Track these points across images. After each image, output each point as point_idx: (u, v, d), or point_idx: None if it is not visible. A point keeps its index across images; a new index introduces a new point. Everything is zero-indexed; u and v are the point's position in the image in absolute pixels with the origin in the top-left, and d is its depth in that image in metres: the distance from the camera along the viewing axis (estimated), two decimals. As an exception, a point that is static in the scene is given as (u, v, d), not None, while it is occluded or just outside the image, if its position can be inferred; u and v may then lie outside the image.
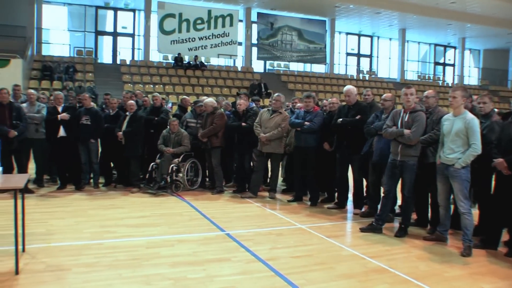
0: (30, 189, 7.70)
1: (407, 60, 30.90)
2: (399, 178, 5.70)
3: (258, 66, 26.83)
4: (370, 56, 31.59)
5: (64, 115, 7.88)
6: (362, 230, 5.84)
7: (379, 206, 6.03)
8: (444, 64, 34.25)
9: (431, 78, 31.59)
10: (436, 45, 33.33)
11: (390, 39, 31.32)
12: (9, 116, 7.45)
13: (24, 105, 8.07)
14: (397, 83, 28.04)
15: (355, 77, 28.01)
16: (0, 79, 15.22)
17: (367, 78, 28.34)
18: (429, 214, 6.04)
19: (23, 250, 4.65)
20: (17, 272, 4.06)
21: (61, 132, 7.93)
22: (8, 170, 6.91)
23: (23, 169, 7.58)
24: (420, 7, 25.20)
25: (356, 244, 5.35)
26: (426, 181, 5.73)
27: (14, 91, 8.60)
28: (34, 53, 21.46)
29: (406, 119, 5.50)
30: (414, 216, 6.20)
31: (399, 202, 6.50)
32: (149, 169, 8.19)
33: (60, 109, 8.03)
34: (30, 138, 7.86)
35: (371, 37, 31.37)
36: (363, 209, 6.88)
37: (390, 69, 31.33)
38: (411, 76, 31.12)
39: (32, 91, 8.71)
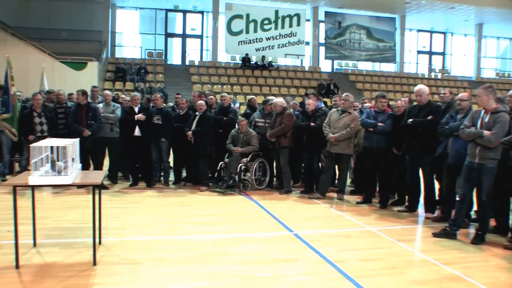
0: (105, 185, 8.07)
1: (484, 57, 29.28)
2: (476, 182, 5.39)
3: (325, 65, 26.59)
4: (443, 54, 30.30)
5: (141, 116, 8.17)
6: (435, 235, 5.60)
7: (453, 211, 5.76)
8: (528, 60, 32.12)
9: (512, 75, 29.77)
10: (517, 39, 31.33)
11: (465, 35, 29.86)
12: (86, 116, 7.89)
13: (100, 105, 8.50)
14: (473, 81, 26.69)
15: (426, 76, 27.00)
16: (78, 81, 16.20)
17: (439, 77, 27.21)
18: (510, 222, 5.67)
19: (100, 243, 4.87)
20: (94, 263, 4.28)
21: (136, 132, 8.23)
22: (85, 167, 7.30)
23: (98, 167, 8.01)
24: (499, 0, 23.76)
25: (428, 249, 5.13)
26: (508, 185, 5.38)
27: (92, 92, 9.09)
28: (108, 55, 22.65)
29: (486, 119, 5.19)
30: (492, 222, 5.84)
31: (475, 207, 6.17)
32: (218, 168, 8.33)
33: (136, 109, 8.34)
34: (105, 137, 8.25)
35: (444, 33, 30.09)
36: (435, 214, 6.60)
37: (464, 67, 29.83)
38: (488, 74, 29.42)
39: (108, 92, 9.16)
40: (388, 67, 27.87)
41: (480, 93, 5.27)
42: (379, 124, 7.01)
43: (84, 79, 16.95)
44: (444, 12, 25.44)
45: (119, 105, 8.65)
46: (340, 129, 7.40)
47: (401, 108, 7.07)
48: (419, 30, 29.49)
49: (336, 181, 8.41)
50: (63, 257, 4.47)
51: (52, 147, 4.23)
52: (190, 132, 8.17)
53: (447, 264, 4.59)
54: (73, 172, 4.28)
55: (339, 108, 7.71)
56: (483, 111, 5.30)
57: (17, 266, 4.11)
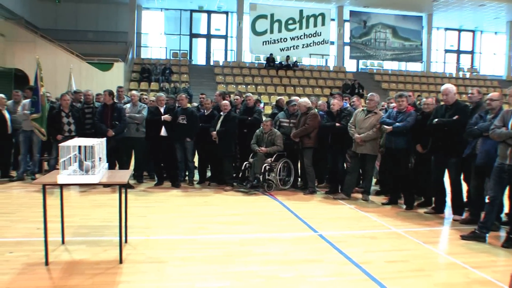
0: (131, 184, 8.16)
1: (517, 55, 28.55)
2: (507, 183, 5.26)
3: (350, 65, 26.36)
4: (472, 52, 29.63)
5: (167, 117, 8.23)
6: (463, 237, 5.47)
7: (482, 213, 5.62)
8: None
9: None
10: (552, 37, 30.35)
11: (496, 32, 29.13)
12: (111, 116, 8.00)
13: (127, 105, 8.61)
14: (503, 80, 26.02)
15: (454, 75, 26.47)
16: (105, 81, 16.48)
17: (467, 76, 26.64)
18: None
19: (125, 241, 4.92)
20: (120, 261, 4.33)
21: (163, 132, 8.27)
22: (111, 167, 7.39)
23: (123, 166, 8.10)
24: (533, -4, 23.08)
25: (456, 252, 5.02)
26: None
27: (118, 93, 9.21)
28: (134, 56, 22.96)
29: (518, 120, 5.06)
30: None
31: (505, 209, 6.02)
32: (242, 168, 8.35)
33: (162, 109, 8.39)
34: (131, 136, 8.34)
35: (473, 31, 29.39)
36: (463, 216, 6.46)
37: (495, 65, 29.12)
38: (519, 72, 28.68)
39: (135, 92, 9.26)
40: (415, 67, 27.41)
41: None
42: (396, 124, 6.92)
43: (110, 80, 17.21)
44: (474, 9, 24.87)
45: (145, 106, 8.72)
46: (366, 130, 7.33)
47: (430, 105, 6.98)
48: (446, 29, 28.94)
49: (361, 182, 8.32)
50: (91, 255, 4.55)
51: (79, 147, 4.30)
52: (214, 132, 8.20)
53: (476, 267, 4.48)
54: (100, 171, 4.35)
55: (364, 108, 7.63)
56: (514, 111, 5.17)
57: (46, 263, 4.20)
